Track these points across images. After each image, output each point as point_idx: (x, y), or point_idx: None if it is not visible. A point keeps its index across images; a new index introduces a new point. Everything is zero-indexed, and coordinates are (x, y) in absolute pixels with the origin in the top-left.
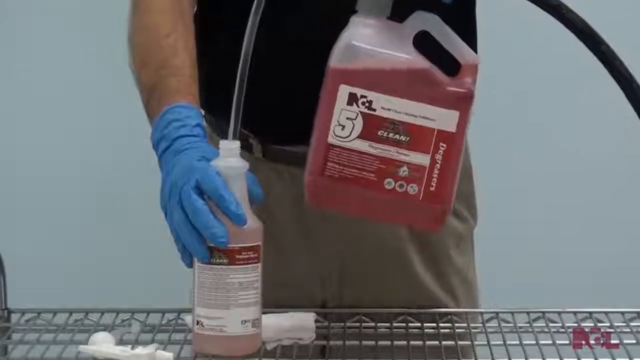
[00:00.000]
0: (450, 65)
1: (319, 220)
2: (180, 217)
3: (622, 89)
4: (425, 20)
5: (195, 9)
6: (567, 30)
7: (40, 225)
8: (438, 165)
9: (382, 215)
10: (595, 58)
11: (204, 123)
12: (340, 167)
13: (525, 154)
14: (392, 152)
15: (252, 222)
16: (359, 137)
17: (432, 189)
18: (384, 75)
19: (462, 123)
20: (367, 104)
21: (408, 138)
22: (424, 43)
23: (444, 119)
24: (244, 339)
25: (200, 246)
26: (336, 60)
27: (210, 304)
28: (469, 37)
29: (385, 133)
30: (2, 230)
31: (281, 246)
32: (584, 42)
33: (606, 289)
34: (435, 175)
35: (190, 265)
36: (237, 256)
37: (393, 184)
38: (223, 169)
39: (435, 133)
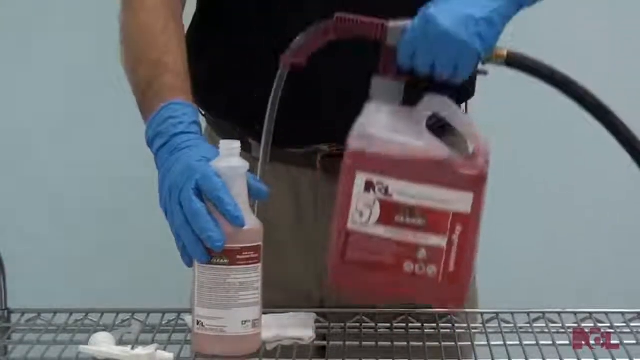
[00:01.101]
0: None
1: (316, 220)
2: (180, 218)
3: (634, 158)
4: (437, 104)
5: (197, 6)
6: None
7: (40, 225)
8: (455, 247)
9: (404, 297)
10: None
11: (203, 121)
12: (361, 253)
13: (526, 155)
14: (409, 236)
15: (253, 223)
16: (377, 222)
17: (451, 269)
18: (399, 161)
19: (477, 204)
20: (383, 190)
21: (424, 221)
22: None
23: (458, 201)
24: (244, 339)
25: (199, 248)
26: (352, 147)
27: (211, 304)
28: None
29: (402, 217)
30: (2, 230)
31: (278, 246)
32: (593, 115)
33: (606, 289)
34: (453, 256)
35: (190, 264)
36: (237, 256)
37: (412, 266)
38: (224, 169)
39: (451, 215)
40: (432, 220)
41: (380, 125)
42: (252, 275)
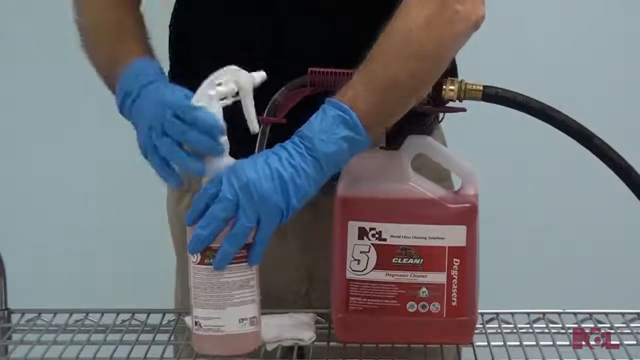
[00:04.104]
0: None
1: (304, 224)
2: (168, 142)
3: (622, 178)
4: (419, 144)
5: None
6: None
7: (40, 225)
8: (455, 280)
9: (412, 337)
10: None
11: None
12: (363, 300)
13: (526, 156)
14: (409, 277)
15: None
16: (375, 268)
17: (454, 303)
18: (389, 205)
19: (471, 235)
20: (377, 235)
21: (422, 260)
22: None
23: (452, 235)
24: (242, 338)
25: (197, 161)
26: (341, 197)
27: (207, 304)
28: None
29: (399, 259)
30: (2, 230)
31: (268, 251)
32: (576, 139)
33: (606, 290)
34: (454, 290)
35: (179, 184)
36: None
37: (415, 306)
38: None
39: (447, 250)
40: (429, 258)
41: (367, 172)
42: (246, 273)
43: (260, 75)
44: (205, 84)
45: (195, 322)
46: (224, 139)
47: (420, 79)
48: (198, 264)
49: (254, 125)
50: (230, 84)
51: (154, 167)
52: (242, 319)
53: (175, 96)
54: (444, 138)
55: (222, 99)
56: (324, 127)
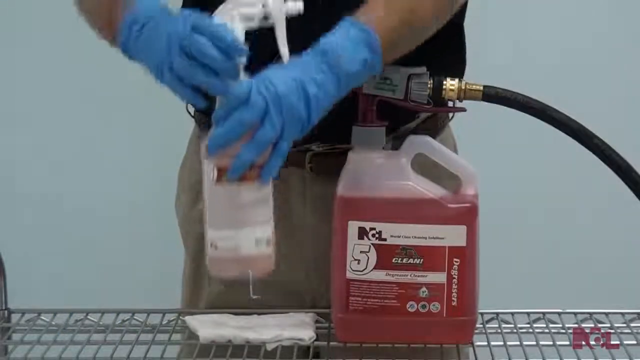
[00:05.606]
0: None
1: (305, 219)
2: (186, 62)
3: (622, 178)
4: (419, 144)
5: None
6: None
7: (40, 225)
8: (455, 280)
9: (412, 337)
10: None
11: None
12: (363, 300)
13: (526, 156)
14: (408, 276)
15: None
16: (375, 267)
17: (454, 303)
18: (389, 205)
19: (471, 235)
20: (377, 235)
21: (422, 260)
22: None
23: (452, 235)
24: (258, 259)
25: (218, 79)
26: (341, 196)
27: (223, 224)
28: (458, 51)
29: (399, 259)
30: (2, 231)
31: None
32: (577, 139)
33: (606, 289)
34: (454, 290)
35: (203, 104)
36: (246, 173)
37: (415, 306)
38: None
39: (447, 250)
40: (429, 257)
41: (367, 172)
42: (263, 192)
43: (295, 6)
44: (230, 1)
45: (211, 243)
46: (242, 60)
47: (438, 11)
48: (214, 182)
49: (284, 54)
50: (257, 5)
51: (173, 88)
52: (259, 240)
53: (194, 14)
54: (453, 137)
55: (246, 21)
56: (348, 46)
